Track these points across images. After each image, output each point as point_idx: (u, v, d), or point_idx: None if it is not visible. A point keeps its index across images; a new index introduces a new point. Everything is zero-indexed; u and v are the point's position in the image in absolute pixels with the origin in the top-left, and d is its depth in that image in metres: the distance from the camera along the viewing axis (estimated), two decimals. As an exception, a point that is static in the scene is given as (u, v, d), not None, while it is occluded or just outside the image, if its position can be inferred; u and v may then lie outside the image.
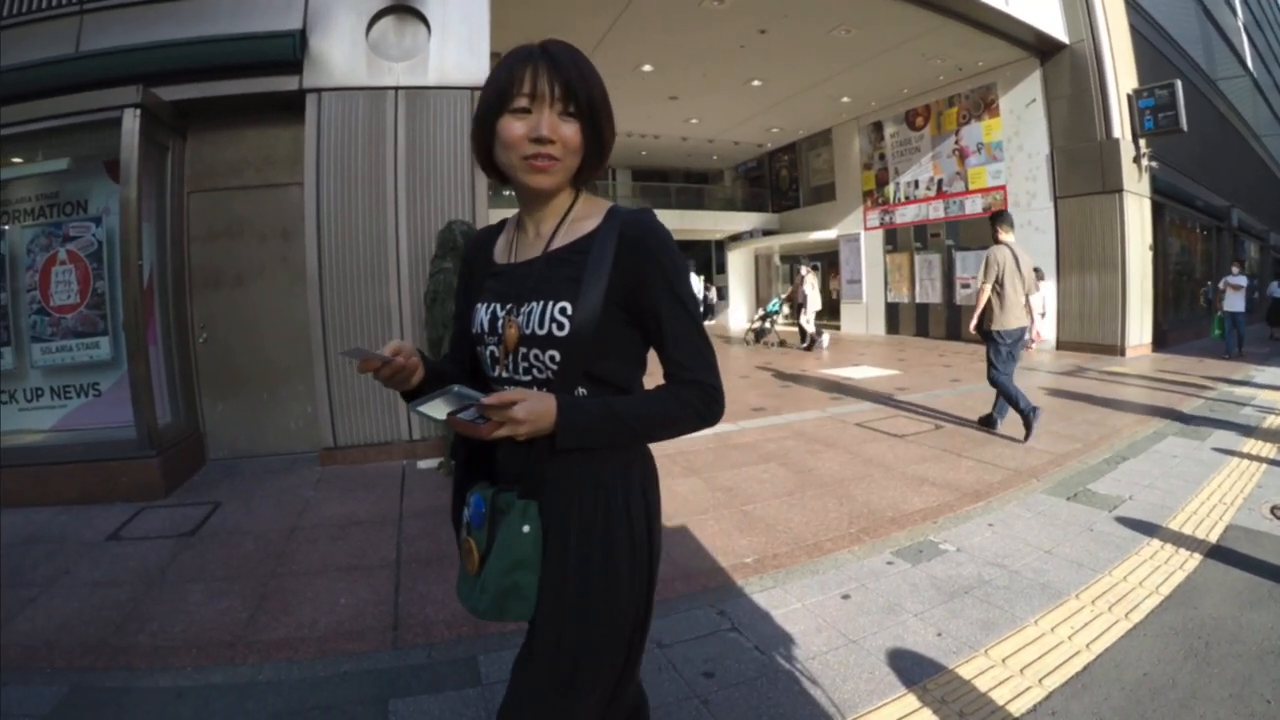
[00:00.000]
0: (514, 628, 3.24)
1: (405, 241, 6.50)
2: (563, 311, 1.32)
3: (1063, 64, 14.33)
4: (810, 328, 16.22)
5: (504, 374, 1.40)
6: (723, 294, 25.80)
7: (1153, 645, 2.94)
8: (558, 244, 1.40)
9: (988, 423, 7.17)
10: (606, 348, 1.34)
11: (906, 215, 18.38)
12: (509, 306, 1.39)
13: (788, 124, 21.19)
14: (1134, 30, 14.84)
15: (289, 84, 6.38)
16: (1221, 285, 13.90)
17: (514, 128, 1.30)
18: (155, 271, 6.21)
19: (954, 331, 17.19)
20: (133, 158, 5.73)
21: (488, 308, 1.44)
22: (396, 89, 6.54)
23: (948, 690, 2.67)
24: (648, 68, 15.22)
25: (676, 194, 27.57)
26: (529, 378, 1.37)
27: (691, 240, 28.04)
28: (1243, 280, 13.81)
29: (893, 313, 19.33)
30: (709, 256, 28.99)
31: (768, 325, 17.76)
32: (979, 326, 7.07)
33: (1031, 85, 14.95)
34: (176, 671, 3.00)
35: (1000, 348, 6.82)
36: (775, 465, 5.94)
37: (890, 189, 19.10)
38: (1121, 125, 13.69)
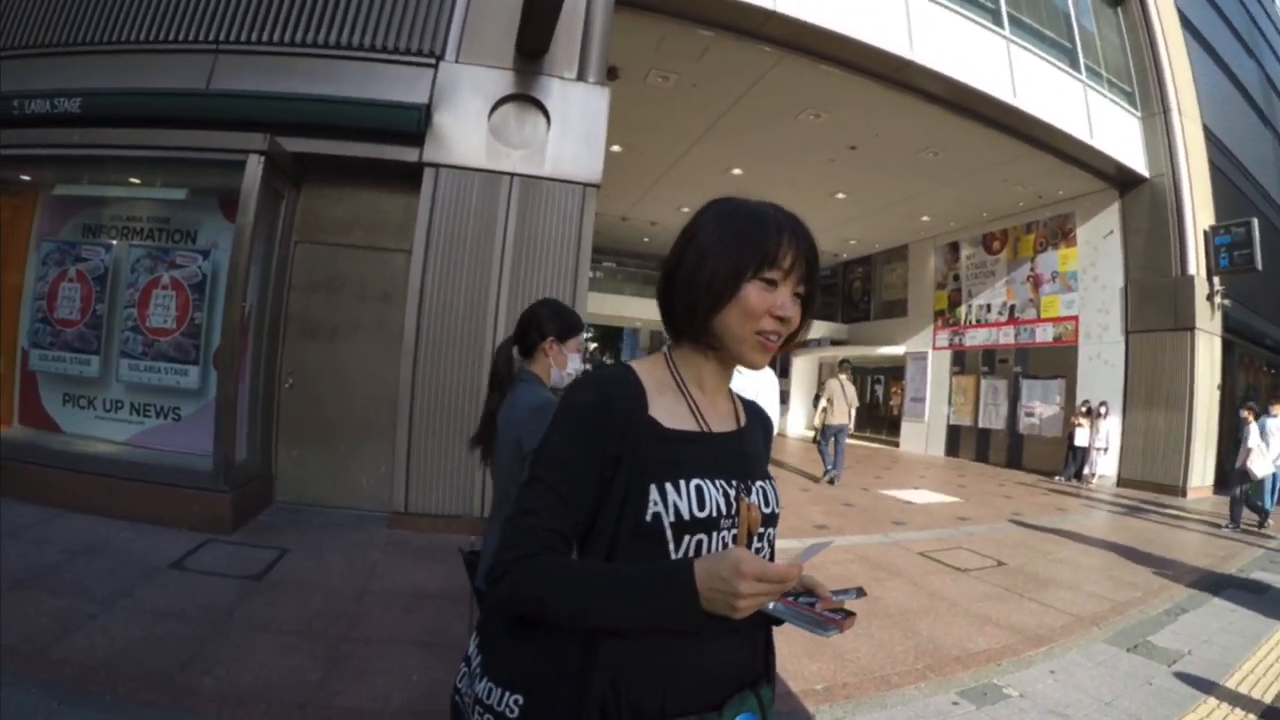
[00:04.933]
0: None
1: (504, 325, 6.53)
2: (774, 489, 1.33)
3: (1142, 197, 14.31)
4: None
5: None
6: (784, 398, 25.76)
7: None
8: (742, 418, 1.39)
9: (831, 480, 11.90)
10: None
11: (976, 338, 18.23)
12: (736, 484, 1.23)
13: (866, 237, 21.30)
14: (1213, 165, 14.83)
15: (409, 155, 6.58)
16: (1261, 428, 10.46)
17: (761, 299, 1.21)
18: (253, 312, 6.41)
19: (1015, 460, 16.93)
20: (251, 202, 5.98)
21: (715, 485, 1.19)
22: (512, 175, 6.69)
23: None
24: (737, 171, 15.47)
25: None
26: None
27: None
28: None
29: (954, 435, 19.03)
30: (774, 360, 28.85)
31: None
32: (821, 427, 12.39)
33: (1109, 217, 14.92)
34: (244, 725, 3.00)
35: (828, 434, 12.14)
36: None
37: (962, 310, 19.01)
38: (1196, 262, 13.58)
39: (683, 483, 1.17)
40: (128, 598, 4.16)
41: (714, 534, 1.18)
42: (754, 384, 4.01)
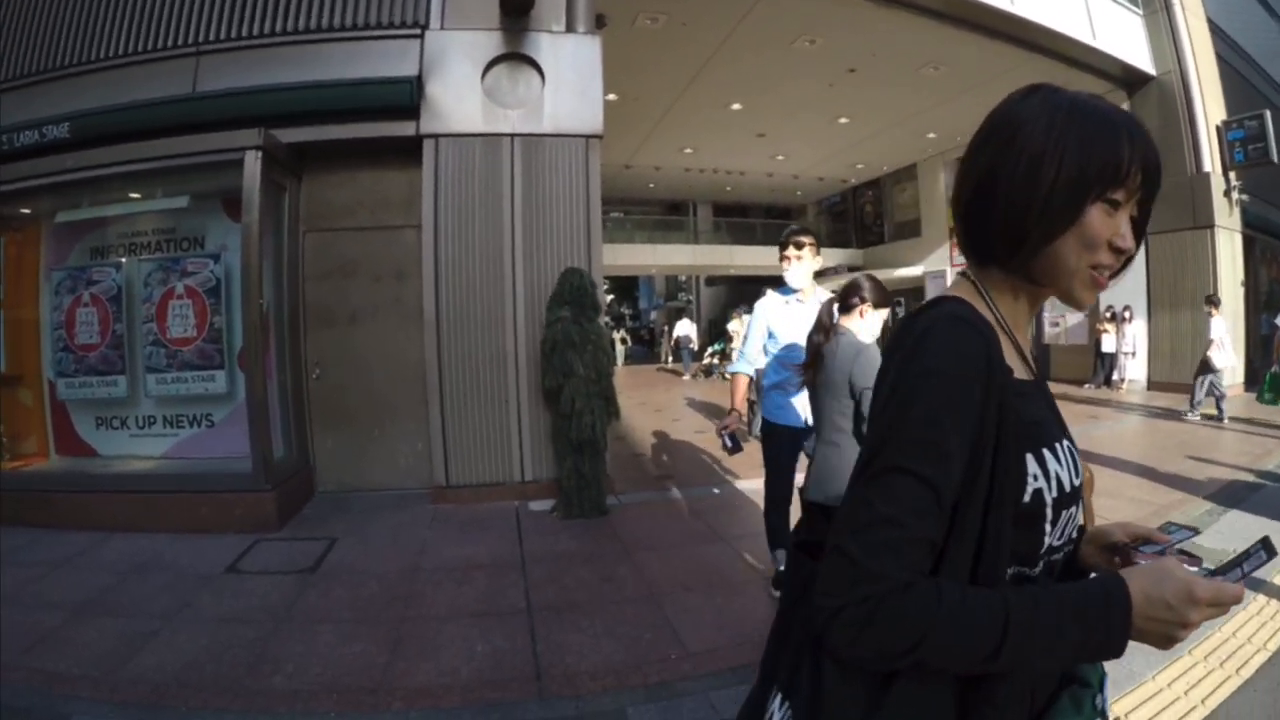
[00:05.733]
0: (656, 680, 3.26)
1: (522, 287, 6.54)
2: None
3: (1150, 96, 14.00)
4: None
5: (1054, 541, 0.98)
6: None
7: (1263, 700, 3.02)
8: None
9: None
10: None
11: (995, 252, 18.12)
12: (1068, 444, 1.01)
13: (873, 160, 21.22)
14: (1220, 59, 14.46)
15: (406, 129, 6.48)
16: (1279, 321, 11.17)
17: (1105, 225, 0.94)
18: (271, 308, 6.36)
19: (1043, 370, 16.22)
20: (254, 199, 5.88)
21: (1068, 448, 1.00)
22: (512, 136, 6.59)
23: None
24: (737, 105, 15.41)
25: (762, 230, 27.53)
26: (1065, 540, 1.01)
27: (776, 275, 27.94)
28: None
29: (979, 351, 18.92)
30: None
31: (715, 362, 19.76)
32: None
33: (1119, 119, 14.58)
34: (320, 717, 3.03)
35: None
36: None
37: (978, 225, 18.69)
38: (1211, 158, 13.35)
39: (1057, 446, 0.97)
40: (187, 609, 4.17)
41: (1076, 507, 0.99)
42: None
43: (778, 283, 4.44)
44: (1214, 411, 10.35)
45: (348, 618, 4.03)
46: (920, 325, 0.93)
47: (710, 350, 20.83)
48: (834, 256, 24.67)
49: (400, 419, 6.78)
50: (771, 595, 4.22)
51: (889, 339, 0.99)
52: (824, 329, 3.40)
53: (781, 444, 4.17)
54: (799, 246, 4.10)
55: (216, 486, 5.85)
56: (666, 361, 24.23)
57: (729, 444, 4.21)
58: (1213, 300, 10.82)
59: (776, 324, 4.23)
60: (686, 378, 20.13)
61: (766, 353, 4.29)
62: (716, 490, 6.79)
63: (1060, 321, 16.36)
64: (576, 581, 4.54)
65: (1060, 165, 0.91)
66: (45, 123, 6.43)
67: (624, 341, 28.30)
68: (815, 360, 3.38)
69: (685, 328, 21.98)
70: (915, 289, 21.97)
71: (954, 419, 0.86)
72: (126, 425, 6.49)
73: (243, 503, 5.74)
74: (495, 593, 4.37)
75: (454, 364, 6.46)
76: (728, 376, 18.00)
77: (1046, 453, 0.94)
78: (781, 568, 4.24)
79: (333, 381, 6.81)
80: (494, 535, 5.52)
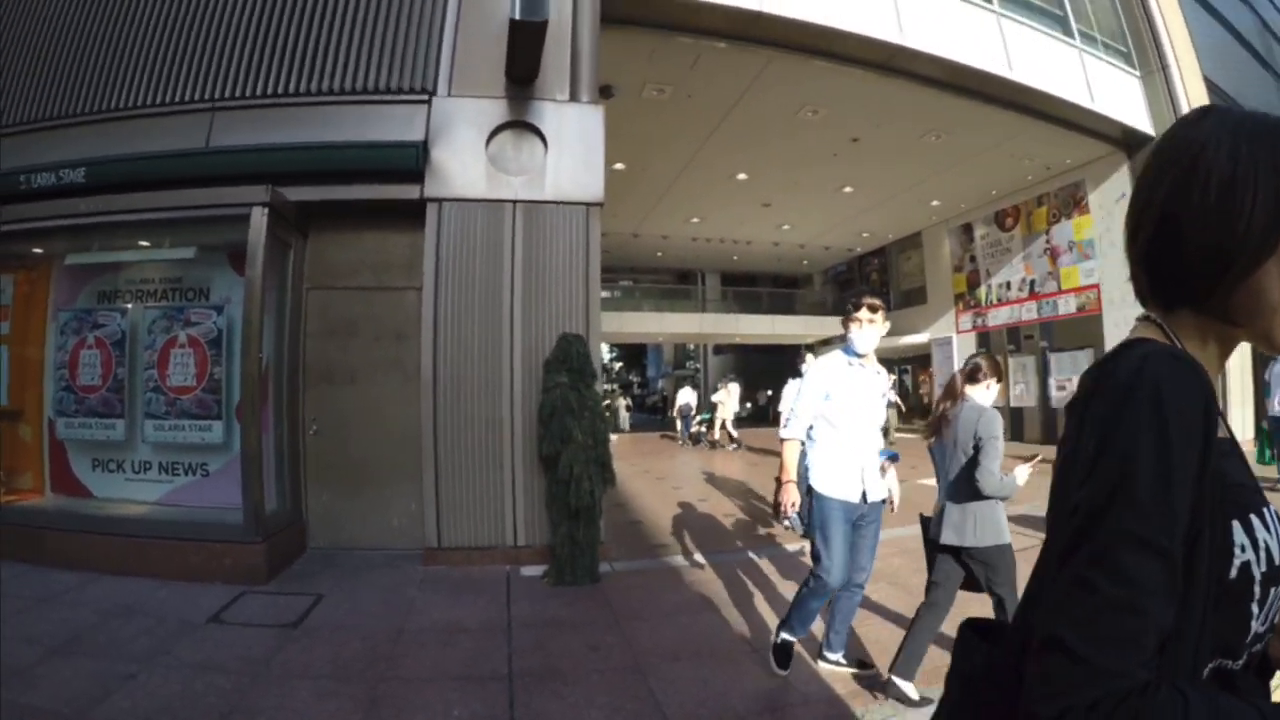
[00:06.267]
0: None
1: (519, 352, 6.59)
2: None
3: (1150, 158, 14.10)
4: (732, 431, 18.76)
5: (1260, 627, 0.85)
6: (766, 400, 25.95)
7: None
8: None
9: None
10: None
11: (999, 317, 18.17)
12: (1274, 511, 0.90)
13: (878, 228, 21.34)
14: (1219, 113, 14.59)
15: (411, 192, 6.59)
16: (1268, 377, 10.60)
17: None
18: (272, 363, 6.44)
19: (1050, 435, 16.67)
20: (259, 254, 6.00)
21: (1275, 515, 0.88)
22: (514, 202, 6.67)
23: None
24: (742, 176, 15.62)
25: (769, 299, 27.82)
26: (1268, 626, 0.87)
27: (783, 344, 28.12)
28: None
29: (986, 417, 18.82)
30: (800, 361, 29.13)
31: (703, 430, 20.65)
32: None
33: (1120, 180, 14.69)
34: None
35: None
36: (885, 584, 5.65)
37: (982, 291, 18.90)
38: (1213, 214, 13.33)
39: (1265, 512, 0.85)
40: (166, 655, 4.17)
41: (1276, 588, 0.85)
42: (877, 380, 4.16)
43: (782, 351, 4.43)
44: None
45: (326, 674, 4.01)
46: (1127, 365, 0.83)
47: (698, 419, 21.18)
48: (840, 325, 24.68)
49: (395, 479, 6.75)
50: (774, 671, 4.03)
51: (1079, 387, 0.89)
52: (953, 394, 3.91)
53: (839, 522, 3.91)
54: (874, 310, 4.04)
55: (207, 536, 5.87)
56: (674, 429, 24.28)
57: (801, 524, 4.08)
58: None
59: (836, 386, 4.08)
60: (683, 444, 20.66)
61: (818, 416, 4.11)
62: (712, 559, 6.65)
63: (1066, 385, 16.22)
64: (562, 649, 4.48)
65: (1256, 185, 0.83)
66: (62, 166, 6.62)
67: (628, 408, 28.34)
68: (939, 423, 3.88)
69: (687, 395, 22.63)
70: (922, 356, 22.02)
71: (1182, 475, 0.75)
72: (122, 469, 6.56)
73: (232, 553, 5.75)
74: (478, 657, 4.32)
75: (450, 426, 6.46)
76: (720, 445, 18.33)
77: (1254, 519, 0.83)
78: (785, 636, 4.04)
79: (329, 438, 6.82)
80: (483, 599, 5.46)
